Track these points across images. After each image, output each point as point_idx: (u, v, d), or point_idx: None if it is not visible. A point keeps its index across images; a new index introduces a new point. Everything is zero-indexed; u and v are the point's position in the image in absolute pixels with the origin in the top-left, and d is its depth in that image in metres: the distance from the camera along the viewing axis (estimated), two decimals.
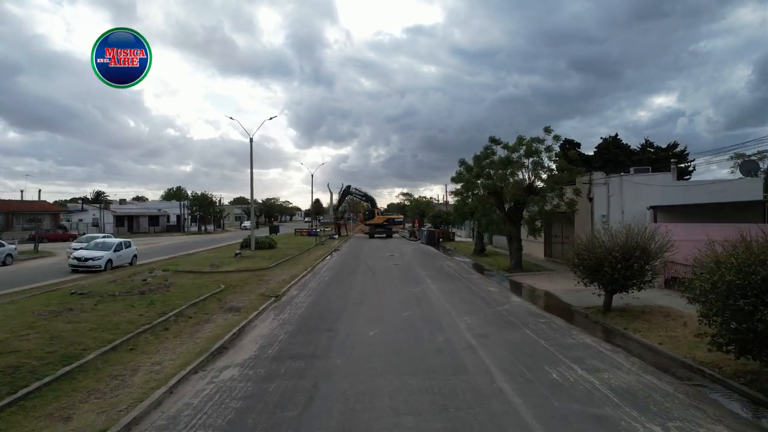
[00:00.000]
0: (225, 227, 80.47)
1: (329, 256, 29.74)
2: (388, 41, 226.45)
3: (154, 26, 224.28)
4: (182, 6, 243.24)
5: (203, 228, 68.90)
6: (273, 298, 14.60)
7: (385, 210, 62.73)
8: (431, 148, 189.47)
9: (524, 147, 20.27)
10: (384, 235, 50.98)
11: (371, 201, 53.81)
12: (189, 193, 68.01)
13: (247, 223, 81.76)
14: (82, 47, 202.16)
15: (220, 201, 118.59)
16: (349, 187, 54.26)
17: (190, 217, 71.70)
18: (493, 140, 21.31)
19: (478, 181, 21.53)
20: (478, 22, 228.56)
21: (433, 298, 14.44)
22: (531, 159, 20.20)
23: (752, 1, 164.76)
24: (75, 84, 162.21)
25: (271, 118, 30.28)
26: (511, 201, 19.85)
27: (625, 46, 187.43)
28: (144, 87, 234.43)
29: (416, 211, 62.34)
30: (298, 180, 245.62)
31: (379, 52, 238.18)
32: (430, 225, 65.10)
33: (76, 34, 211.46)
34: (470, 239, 45.58)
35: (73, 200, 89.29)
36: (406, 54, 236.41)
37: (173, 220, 71.18)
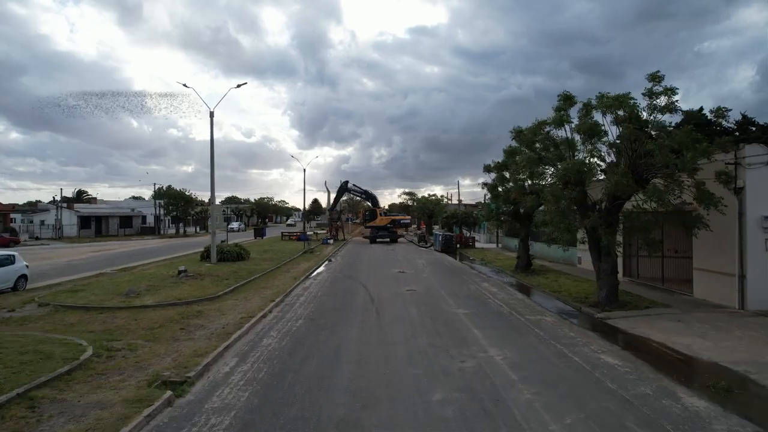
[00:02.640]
0: (209, 229, 72.54)
1: (316, 272, 21.85)
2: (391, 41, 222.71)
3: (159, 26, 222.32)
4: (187, 6, 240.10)
5: (182, 230, 61.02)
6: (166, 396, 6.70)
7: (388, 211, 54.72)
8: (434, 148, 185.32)
9: (623, 108, 12.36)
10: (387, 240, 43.10)
11: (372, 199, 45.88)
12: (183, 191, 59.75)
13: (234, 225, 73.83)
14: (86, 47, 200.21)
15: (210, 200, 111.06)
16: (346, 183, 46.43)
17: (169, 218, 63.92)
18: (567, 97, 13.38)
19: (550, 168, 13.56)
20: (482, 23, 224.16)
21: (513, 402, 6.52)
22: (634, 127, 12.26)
23: (758, 1, 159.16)
24: (78, 84, 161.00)
25: (239, 86, 22.38)
26: (611, 194, 11.89)
27: (629, 47, 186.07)
28: (145, 87, 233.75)
29: (424, 211, 54.40)
30: (300, 180, 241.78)
31: (382, 53, 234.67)
32: (439, 227, 57.14)
33: (79, 35, 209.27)
34: (493, 245, 37.69)
35: (65, 199, 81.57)
36: (410, 54, 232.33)
37: (151, 220, 63.31)
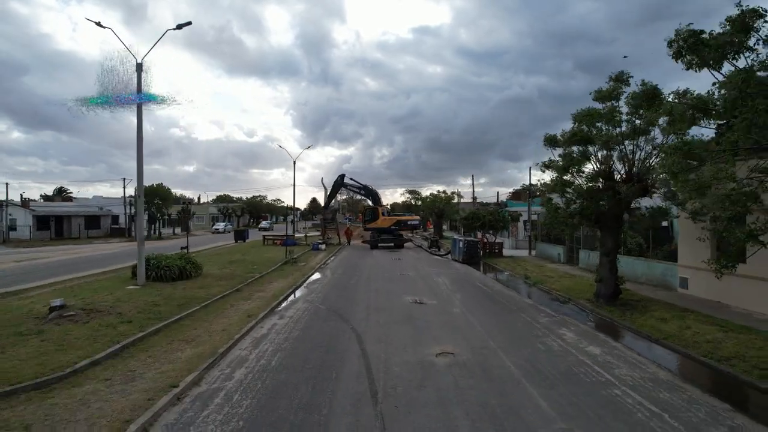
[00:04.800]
0: (192, 229, 65.13)
1: (289, 300, 14.51)
2: (394, 41, 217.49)
3: (164, 26, 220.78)
4: (192, 6, 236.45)
5: (156, 231, 53.70)
6: None
7: (391, 210, 47.38)
8: (435, 148, 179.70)
9: None
10: (391, 245, 35.76)
11: (373, 196, 38.49)
12: (159, 186, 51.98)
13: (219, 225, 66.52)
14: (87, 46, 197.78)
15: (199, 199, 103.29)
16: (342, 177, 39.06)
17: (146, 216, 56.57)
18: None
19: None
20: (487, 23, 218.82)
21: None
22: None
23: (762, 1, 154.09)
24: (80, 83, 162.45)
25: (179, 27, 14.88)
26: None
27: (634, 47, 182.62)
28: (148, 87, 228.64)
29: (433, 210, 47.05)
30: (301, 180, 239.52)
31: (385, 53, 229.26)
32: (447, 227, 49.84)
33: (82, 34, 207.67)
34: (523, 252, 30.33)
35: (46, 197, 74.47)
36: (412, 54, 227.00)
37: (124, 220, 55.88)
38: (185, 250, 27.35)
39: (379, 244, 35.49)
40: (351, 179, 39.34)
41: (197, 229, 71.36)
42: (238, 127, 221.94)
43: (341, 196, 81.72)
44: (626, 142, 12.07)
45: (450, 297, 14.86)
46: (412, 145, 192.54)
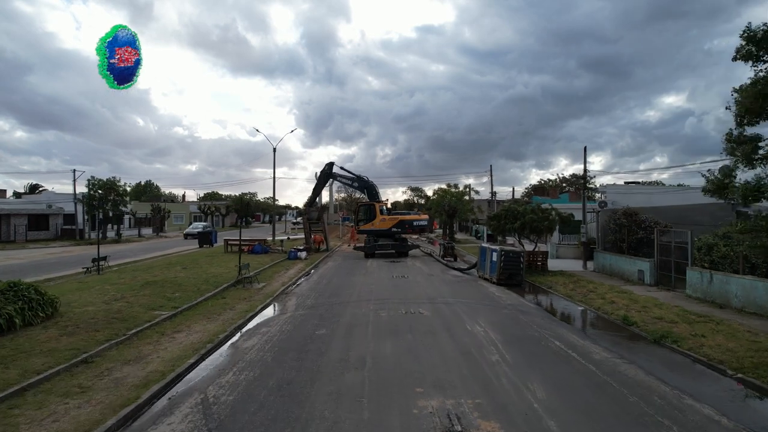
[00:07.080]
0: (165, 231, 57.09)
1: (167, 394, 6.38)
2: (397, 40, 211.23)
3: (169, 25, 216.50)
4: (196, 5, 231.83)
5: (116, 233, 45.57)
6: None
7: (392, 208, 39.15)
8: (438, 148, 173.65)
9: None
10: (392, 252, 27.63)
11: (369, 189, 30.21)
12: (113, 180, 43.40)
13: (196, 226, 58.19)
14: (91, 45, 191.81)
15: (184, 197, 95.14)
16: (330, 166, 30.89)
17: (100, 217, 48.51)
18: None
19: None
20: (490, 21, 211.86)
21: None
22: None
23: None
24: (84, 83, 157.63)
25: None
26: None
27: (639, 46, 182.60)
28: (152, 86, 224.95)
29: (443, 208, 38.88)
30: (302, 179, 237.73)
31: (388, 51, 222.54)
32: (456, 228, 41.90)
33: (85, 32, 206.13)
34: (572, 263, 22.16)
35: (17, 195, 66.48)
36: (416, 53, 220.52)
37: (78, 219, 47.73)
38: (102, 262, 19.53)
39: (377, 251, 27.39)
40: (341, 168, 31.23)
41: (174, 229, 63.41)
42: (241, 126, 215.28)
43: (339, 195, 73.42)
44: None
45: (523, 400, 6.74)
46: (415, 143, 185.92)
